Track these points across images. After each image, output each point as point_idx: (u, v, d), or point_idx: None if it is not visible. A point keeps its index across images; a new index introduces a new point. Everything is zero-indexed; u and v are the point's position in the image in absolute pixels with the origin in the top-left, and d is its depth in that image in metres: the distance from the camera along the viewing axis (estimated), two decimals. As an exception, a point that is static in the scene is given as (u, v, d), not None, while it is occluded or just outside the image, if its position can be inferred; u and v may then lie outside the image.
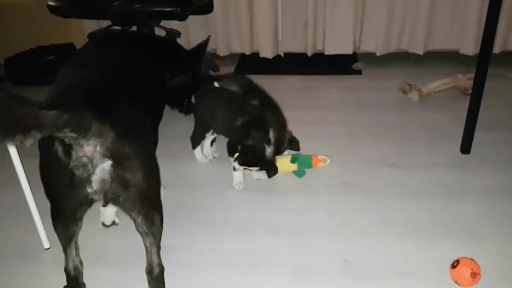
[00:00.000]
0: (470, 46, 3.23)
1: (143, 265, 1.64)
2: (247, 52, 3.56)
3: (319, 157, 2.12)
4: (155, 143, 1.70)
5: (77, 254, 1.43)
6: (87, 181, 1.15)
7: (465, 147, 2.21)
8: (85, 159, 1.12)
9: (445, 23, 3.26)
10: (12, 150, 1.58)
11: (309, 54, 3.49)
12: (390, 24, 3.28)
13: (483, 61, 2.03)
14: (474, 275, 1.48)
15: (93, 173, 1.14)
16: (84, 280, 1.57)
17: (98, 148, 1.11)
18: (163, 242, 1.74)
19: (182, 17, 2.41)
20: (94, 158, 1.12)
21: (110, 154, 1.12)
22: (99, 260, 1.68)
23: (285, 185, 2.06)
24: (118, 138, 1.12)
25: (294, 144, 2.12)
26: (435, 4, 3.20)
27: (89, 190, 1.17)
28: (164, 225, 1.82)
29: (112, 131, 1.10)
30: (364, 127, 2.53)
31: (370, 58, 3.38)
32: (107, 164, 1.14)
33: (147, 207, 1.30)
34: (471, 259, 1.53)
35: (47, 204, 1.78)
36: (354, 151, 2.31)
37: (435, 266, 1.58)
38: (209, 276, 1.60)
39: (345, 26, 3.34)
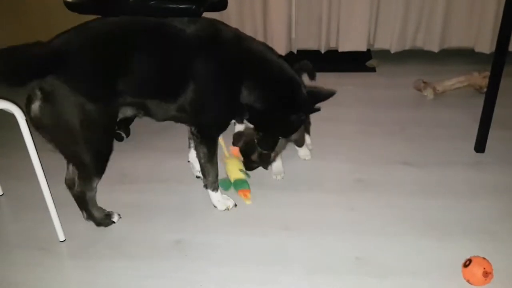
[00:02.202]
0: (486, 44, 3.19)
1: (158, 258, 1.67)
2: (261, 49, 3.56)
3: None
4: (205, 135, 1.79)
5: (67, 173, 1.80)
6: (30, 109, 1.53)
7: (480, 146, 2.19)
8: (34, 93, 1.51)
9: (461, 20, 3.21)
10: (30, 144, 1.61)
11: (323, 51, 3.48)
12: (405, 21, 3.25)
13: (499, 59, 2.01)
14: (487, 274, 1.48)
15: (33, 103, 1.51)
16: (100, 272, 1.61)
17: (42, 91, 1.49)
18: (177, 236, 1.77)
19: (196, 14, 2.42)
20: (37, 96, 1.50)
21: (45, 98, 1.49)
22: (115, 252, 1.71)
23: (299, 182, 2.07)
24: (59, 92, 1.49)
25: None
26: (451, 1, 3.16)
27: (31, 116, 1.53)
28: (178, 219, 1.86)
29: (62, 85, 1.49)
30: (378, 125, 2.52)
31: (385, 55, 3.36)
32: (39, 103, 1.50)
33: (67, 153, 1.65)
34: (484, 258, 1.52)
35: (62, 197, 1.82)
36: (368, 149, 2.30)
37: (448, 265, 1.57)
38: (222, 270, 1.61)
39: (359, 23, 3.32)
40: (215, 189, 1.90)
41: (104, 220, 1.82)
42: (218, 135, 1.86)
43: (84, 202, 1.76)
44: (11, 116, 1.58)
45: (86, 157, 1.62)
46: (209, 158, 1.82)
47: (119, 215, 1.86)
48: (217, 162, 1.86)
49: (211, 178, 1.87)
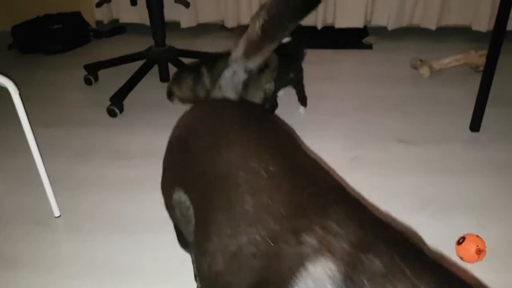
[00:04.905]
0: (483, 23, 3.17)
1: (154, 233, 1.67)
2: (256, 24, 3.51)
3: None
4: None
5: None
6: None
7: (475, 124, 2.19)
8: None
9: (459, -2, 3.20)
10: (23, 119, 1.58)
11: (319, 27, 3.44)
12: (403, -3, 3.23)
13: (497, 38, 1.99)
14: (480, 251, 1.49)
15: None
16: (96, 247, 1.61)
17: None
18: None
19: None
20: None
21: None
22: (110, 227, 1.71)
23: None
24: None
25: None
26: (450, -22, 3.14)
27: None
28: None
29: None
30: (374, 102, 2.51)
31: (382, 33, 3.33)
32: None
33: None
34: (477, 235, 1.53)
35: (57, 172, 1.80)
36: (363, 126, 2.30)
37: (442, 242, 1.58)
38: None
39: (356, -1, 3.29)
40: None
41: None
42: None
43: None
44: (4, 90, 1.55)
45: None
46: None
47: None
48: None
49: None
